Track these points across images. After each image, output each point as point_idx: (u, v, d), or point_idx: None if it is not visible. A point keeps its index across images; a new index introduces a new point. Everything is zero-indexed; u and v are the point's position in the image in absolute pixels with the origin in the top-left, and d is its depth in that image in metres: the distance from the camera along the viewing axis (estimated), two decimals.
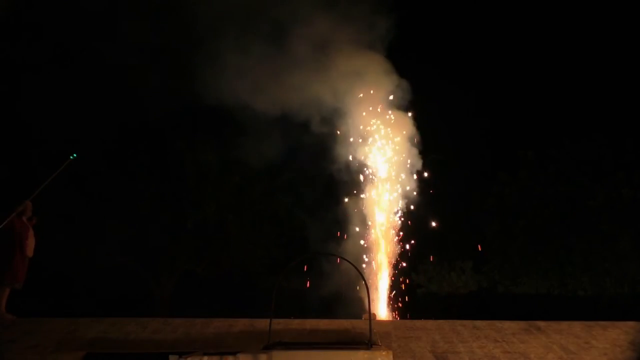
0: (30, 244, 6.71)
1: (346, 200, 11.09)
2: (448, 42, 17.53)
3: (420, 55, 15.70)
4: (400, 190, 10.96)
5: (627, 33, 14.24)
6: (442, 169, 16.44)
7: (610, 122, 11.88)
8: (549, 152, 11.12)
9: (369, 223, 11.22)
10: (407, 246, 14.75)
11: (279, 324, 6.09)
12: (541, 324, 6.16)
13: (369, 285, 5.71)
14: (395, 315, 9.32)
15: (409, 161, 10.65)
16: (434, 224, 14.38)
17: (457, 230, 13.40)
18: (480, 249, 11.57)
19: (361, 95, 10.84)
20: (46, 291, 11.67)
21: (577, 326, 6.06)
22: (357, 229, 11.27)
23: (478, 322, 6.23)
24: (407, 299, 11.54)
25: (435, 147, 16.85)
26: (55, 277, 12.13)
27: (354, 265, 5.33)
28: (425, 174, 10.91)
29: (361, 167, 10.96)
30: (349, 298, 11.00)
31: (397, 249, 12.62)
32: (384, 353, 4.37)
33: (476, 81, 17.21)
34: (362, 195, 11.06)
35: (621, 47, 14.79)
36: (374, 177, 10.89)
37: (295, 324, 6.15)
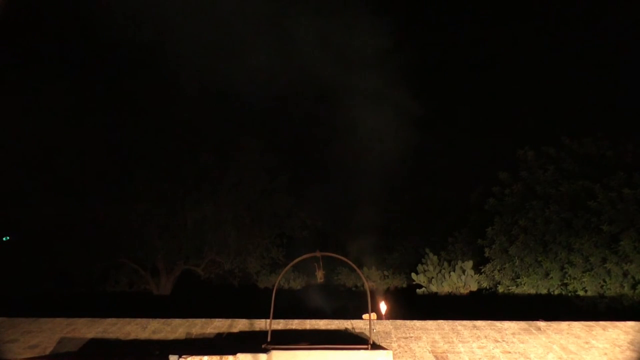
0: None
1: None
2: (446, 40, 17.55)
3: (418, 55, 15.75)
4: None
5: (628, 30, 14.26)
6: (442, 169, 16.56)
7: (610, 122, 11.91)
8: (549, 151, 11.10)
9: None
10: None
11: (279, 324, 6.10)
12: (541, 324, 6.17)
13: (368, 285, 5.70)
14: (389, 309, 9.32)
15: None
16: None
17: (456, 229, 13.42)
18: (480, 249, 11.56)
19: None
20: (44, 290, 11.71)
21: (577, 326, 6.08)
22: None
23: (478, 322, 6.25)
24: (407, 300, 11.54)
25: (435, 146, 17.00)
26: (53, 276, 12.16)
27: (354, 266, 5.34)
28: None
29: None
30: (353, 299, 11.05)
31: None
32: (384, 353, 4.38)
33: (475, 80, 17.26)
34: None
35: (621, 45, 14.80)
36: None
37: (295, 324, 6.17)
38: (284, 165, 14.25)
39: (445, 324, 6.21)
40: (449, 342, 5.54)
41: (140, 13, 11.12)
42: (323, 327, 6.06)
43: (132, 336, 5.81)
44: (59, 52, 11.81)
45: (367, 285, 5.29)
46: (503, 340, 5.59)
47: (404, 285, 13.75)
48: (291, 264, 5.43)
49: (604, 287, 9.08)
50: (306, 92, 16.03)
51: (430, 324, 6.25)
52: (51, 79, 11.55)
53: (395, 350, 5.28)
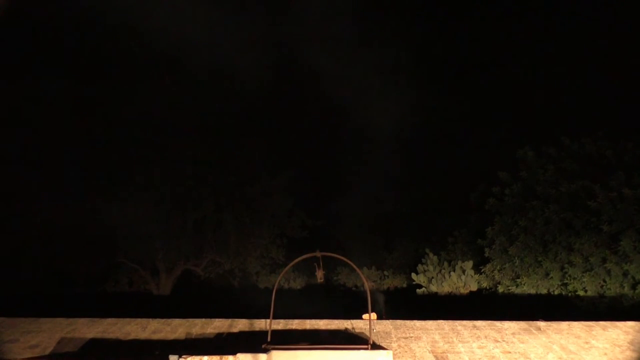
0: None
1: None
2: (444, 40, 17.54)
3: (415, 55, 15.75)
4: None
5: (628, 30, 14.25)
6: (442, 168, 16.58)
7: (610, 122, 11.89)
8: (549, 151, 11.10)
9: None
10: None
11: (279, 324, 6.10)
12: (541, 324, 6.18)
13: (369, 285, 5.70)
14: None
15: None
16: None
17: (456, 229, 13.42)
18: (480, 249, 11.56)
19: None
20: (44, 290, 11.70)
21: (577, 326, 6.08)
22: None
23: (478, 322, 6.25)
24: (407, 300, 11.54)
25: (435, 145, 17.02)
26: (53, 276, 12.16)
27: (354, 266, 5.34)
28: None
29: None
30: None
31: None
32: (384, 353, 4.38)
33: (474, 80, 17.25)
34: None
35: (621, 45, 14.80)
36: None
37: (295, 324, 6.17)
38: (284, 165, 14.26)
39: (445, 324, 6.22)
40: (449, 342, 5.54)
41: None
42: (323, 327, 6.07)
43: (132, 336, 5.81)
44: (58, 46, 11.80)
45: (367, 285, 5.29)
46: (503, 340, 5.59)
47: (404, 285, 13.75)
48: (291, 264, 5.43)
49: (604, 287, 9.09)
50: (305, 92, 16.06)
51: (430, 324, 6.25)
52: (47, 74, 11.54)
53: (395, 350, 5.28)
